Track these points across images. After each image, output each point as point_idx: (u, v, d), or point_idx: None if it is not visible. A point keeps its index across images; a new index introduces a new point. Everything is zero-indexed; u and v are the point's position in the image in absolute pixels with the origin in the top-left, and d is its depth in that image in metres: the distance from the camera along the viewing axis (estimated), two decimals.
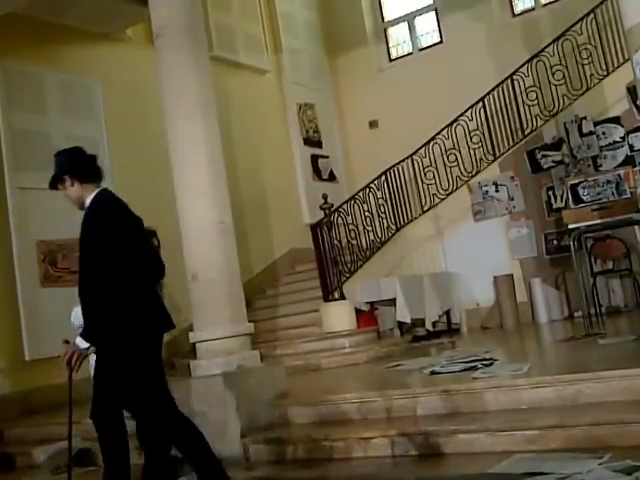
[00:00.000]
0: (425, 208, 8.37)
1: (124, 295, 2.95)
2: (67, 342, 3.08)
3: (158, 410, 3.10)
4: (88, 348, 3.04)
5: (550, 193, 7.92)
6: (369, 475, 3.53)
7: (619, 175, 6.87)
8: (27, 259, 6.79)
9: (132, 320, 3.00)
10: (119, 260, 2.94)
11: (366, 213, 7.92)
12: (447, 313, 7.88)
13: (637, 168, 7.05)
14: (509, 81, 8.13)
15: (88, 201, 3.12)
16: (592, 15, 7.85)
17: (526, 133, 8.10)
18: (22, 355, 6.56)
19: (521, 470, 3.02)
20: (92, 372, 3.42)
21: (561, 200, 7.72)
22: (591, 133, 7.70)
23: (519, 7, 9.73)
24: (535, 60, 8.03)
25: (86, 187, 3.13)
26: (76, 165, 3.16)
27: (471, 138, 8.21)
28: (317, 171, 10.19)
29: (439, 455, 3.59)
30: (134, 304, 3.00)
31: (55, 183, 3.21)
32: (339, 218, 7.47)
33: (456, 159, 8.23)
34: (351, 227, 7.66)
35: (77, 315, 3.58)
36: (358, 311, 7.04)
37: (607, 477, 2.72)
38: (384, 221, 8.13)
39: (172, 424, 3.12)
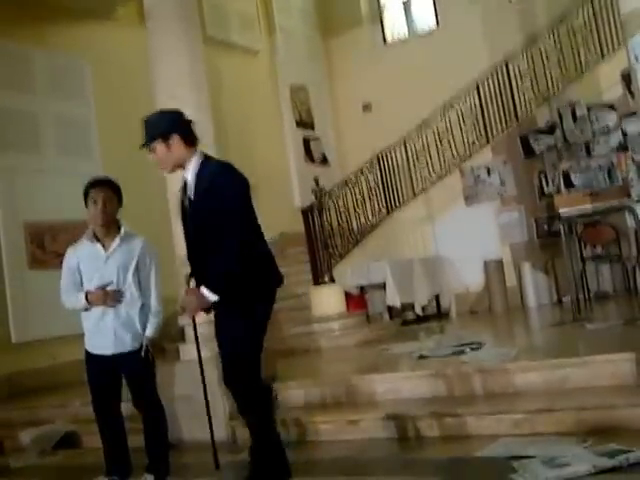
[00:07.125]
0: (417, 192, 8.34)
1: (255, 249, 2.97)
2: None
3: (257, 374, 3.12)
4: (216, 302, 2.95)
5: (542, 177, 7.90)
6: (356, 458, 3.53)
7: (611, 161, 6.85)
8: (14, 241, 6.73)
9: (263, 275, 3.04)
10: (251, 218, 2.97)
11: (357, 196, 7.88)
12: (437, 297, 7.88)
13: (629, 153, 7.03)
14: (503, 65, 8.07)
15: (195, 162, 3.03)
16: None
17: (519, 117, 8.06)
18: (8, 337, 6.53)
19: (507, 453, 3.05)
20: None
21: (553, 185, 7.70)
22: (584, 118, 7.66)
23: None
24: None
25: (189, 149, 3.04)
26: (183, 125, 3.05)
27: (464, 122, 8.16)
28: (309, 154, 10.12)
29: (426, 438, 3.61)
30: (262, 258, 3.03)
31: (154, 139, 2.99)
32: (330, 201, 7.43)
33: (449, 143, 8.19)
34: (342, 210, 7.62)
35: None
36: (348, 295, 7.03)
37: (591, 460, 2.74)
38: (375, 204, 8.10)
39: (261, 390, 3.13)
